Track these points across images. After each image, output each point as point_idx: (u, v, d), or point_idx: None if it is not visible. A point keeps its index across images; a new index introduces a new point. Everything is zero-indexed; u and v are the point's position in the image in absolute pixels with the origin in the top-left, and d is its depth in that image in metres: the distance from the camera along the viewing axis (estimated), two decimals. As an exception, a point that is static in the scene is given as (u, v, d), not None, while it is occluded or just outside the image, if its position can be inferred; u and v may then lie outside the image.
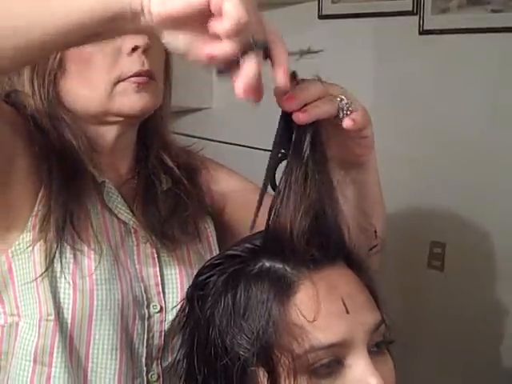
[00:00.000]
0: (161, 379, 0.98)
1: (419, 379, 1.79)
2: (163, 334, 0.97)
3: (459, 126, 1.81)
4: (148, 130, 1.03)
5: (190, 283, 0.99)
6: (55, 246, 0.88)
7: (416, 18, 1.83)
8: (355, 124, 0.77)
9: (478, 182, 1.80)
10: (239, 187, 1.11)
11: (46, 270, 0.88)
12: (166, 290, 0.98)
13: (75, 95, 0.94)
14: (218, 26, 0.61)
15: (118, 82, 0.92)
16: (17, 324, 0.92)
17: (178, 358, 0.81)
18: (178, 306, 0.89)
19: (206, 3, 0.60)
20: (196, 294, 0.78)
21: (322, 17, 2.00)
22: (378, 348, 0.75)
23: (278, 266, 0.73)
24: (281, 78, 0.67)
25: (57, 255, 0.89)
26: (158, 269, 0.98)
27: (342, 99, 0.77)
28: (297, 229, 0.73)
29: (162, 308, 0.97)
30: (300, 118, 0.73)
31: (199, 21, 0.62)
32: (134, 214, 0.99)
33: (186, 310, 0.80)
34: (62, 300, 0.90)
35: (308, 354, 0.70)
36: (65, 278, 0.89)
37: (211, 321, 0.74)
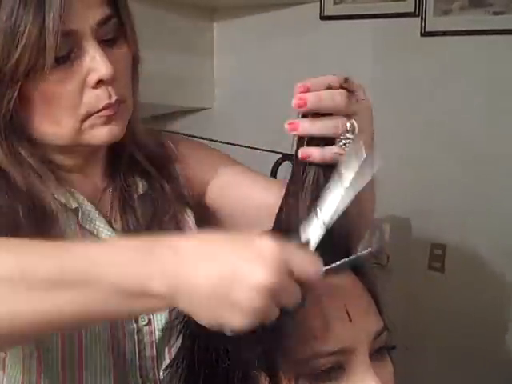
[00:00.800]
0: None
1: (419, 380, 1.78)
2: (154, 344, 0.95)
3: (460, 128, 1.81)
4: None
5: None
6: None
7: (418, 19, 1.83)
8: (303, 157, 0.74)
9: (478, 183, 1.80)
10: (217, 168, 1.07)
11: None
12: None
13: (42, 132, 0.88)
14: None
15: (86, 117, 0.87)
16: (3, 360, 0.89)
17: (177, 359, 0.81)
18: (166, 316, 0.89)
19: None
20: None
21: (323, 18, 2.00)
22: (378, 353, 0.74)
23: None
24: None
25: None
26: None
27: (351, 129, 0.74)
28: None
29: (149, 320, 0.94)
30: (290, 126, 0.73)
31: None
32: (113, 228, 0.96)
33: (185, 318, 0.79)
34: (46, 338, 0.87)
35: (310, 360, 0.70)
36: None
37: None
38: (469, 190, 1.81)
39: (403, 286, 1.84)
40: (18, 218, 0.86)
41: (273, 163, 1.84)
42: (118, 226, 0.96)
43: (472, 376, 1.81)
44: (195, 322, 0.76)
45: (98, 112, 0.87)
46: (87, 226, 0.93)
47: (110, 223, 0.96)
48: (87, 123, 0.87)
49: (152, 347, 0.95)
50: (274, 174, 1.84)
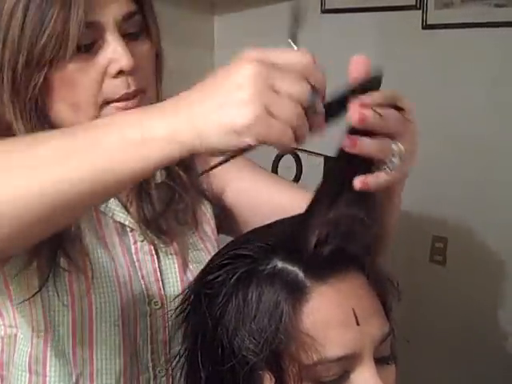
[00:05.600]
0: (169, 373, 0.97)
1: (420, 373, 1.79)
2: (167, 329, 0.97)
3: (461, 121, 1.80)
4: None
5: (188, 275, 0.99)
6: (47, 270, 0.88)
7: (419, 12, 1.83)
8: (363, 187, 0.71)
9: (479, 176, 1.80)
10: (237, 169, 1.08)
11: (36, 292, 0.88)
12: (166, 285, 0.98)
13: (62, 118, 0.91)
14: None
15: (104, 104, 0.89)
16: (15, 335, 0.92)
17: (179, 352, 0.81)
18: (179, 300, 0.89)
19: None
20: (203, 293, 0.77)
21: (325, 11, 1.99)
22: (383, 358, 0.74)
23: (292, 268, 0.72)
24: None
25: (50, 277, 0.88)
26: (156, 265, 0.98)
27: (398, 153, 0.71)
28: (318, 233, 0.71)
29: (163, 304, 0.97)
30: (347, 144, 0.68)
31: None
32: (129, 212, 0.98)
33: (189, 307, 0.79)
34: (56, 315, 0.89)
35: (317, 365, 0.69)
36: (58, 297, 0.89)
37: (220, 321, 0.73)
38: (471, 182, 1.81)
39: (404, 278, 1.84)
40: None
41: (273, 157, 1.84)
42: (133, 209, 0.99)
43: (473, 368, 1.82)
44: (198, 319, 0.77)
45: (116, 102, 0.89)
46: (102, 209, 0.96)
47: (125, 207, 0.98)
48: (104, 112, 0.89)
49: (164, 332, 0.97)
50: (275, 167, 1.84)
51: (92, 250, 0.92)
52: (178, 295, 0.91)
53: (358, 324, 0.70)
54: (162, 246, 0.99)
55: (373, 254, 0.76)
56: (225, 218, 1.10)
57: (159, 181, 1.01)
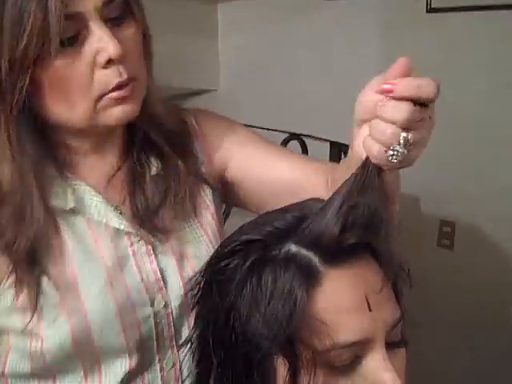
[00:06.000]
0: (177, 365, 0.98)
1: (428, 357, 1.79)
2: (172, 324, 0.96)
3: (467, 105, 1.79)
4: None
5: (187, 270, 0.98)
6: (34, 302, 0.88)
7: (423, -5, 1.81)
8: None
9: (487, 161, 1.79)
10: (240, 143, 1.07)
11: (29, 322, 0.88)
12: (168, 284, 0.96)
13: (58, 116, 0.88)
14: None
15: (100, 97, 0.87)
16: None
17: (190, 339, 0.81)
18: (186, 290, 0.90)
19: None
20: (214, 279, 0.77)
21: (328, -4, 1.98)
22: (394, 343, 0.74)
23: (306, 253, 0.72)
24: None
25: (38, 308, 0.88)
26: (156, 264, 0.96)
27: (404, 142, 0.72)
28: (343, 220, 0.71)
29: (166, 302, 0.96)
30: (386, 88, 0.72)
31: None
32: (122, 213, 0.96)
33: (199, 293, 0.79)
34: (55, 328, 0.89)
35: (330, 350, 0.69)
36: (52, 315, 0.89)
37: (233, 306, 0.73)
38: (478, 166, 1.80)
39: (412, 263, 1.84)
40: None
41: (279, 143, 1.84)
42: (126, 209, 0.96)
43: (480, 353, 1.82)
44: (209, 305, 0.77)
45: (110, 92, 0.87)
46: (95, 218, 0.94)
47: (118, 209, 0.96)
48: (100, 104, 0.87)
49: (170, 327, 0.96)
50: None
51: (79, 264, 0.91)
52: (188, 281, 0.91)
53: (370, 310, 0.71)
54: (158, 243, 0.97)
55: (386, 240, 0.76)
56: (227, 192, 1.08)
57: (155, 173, 0.99)
